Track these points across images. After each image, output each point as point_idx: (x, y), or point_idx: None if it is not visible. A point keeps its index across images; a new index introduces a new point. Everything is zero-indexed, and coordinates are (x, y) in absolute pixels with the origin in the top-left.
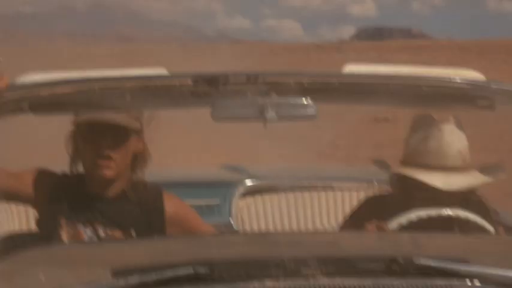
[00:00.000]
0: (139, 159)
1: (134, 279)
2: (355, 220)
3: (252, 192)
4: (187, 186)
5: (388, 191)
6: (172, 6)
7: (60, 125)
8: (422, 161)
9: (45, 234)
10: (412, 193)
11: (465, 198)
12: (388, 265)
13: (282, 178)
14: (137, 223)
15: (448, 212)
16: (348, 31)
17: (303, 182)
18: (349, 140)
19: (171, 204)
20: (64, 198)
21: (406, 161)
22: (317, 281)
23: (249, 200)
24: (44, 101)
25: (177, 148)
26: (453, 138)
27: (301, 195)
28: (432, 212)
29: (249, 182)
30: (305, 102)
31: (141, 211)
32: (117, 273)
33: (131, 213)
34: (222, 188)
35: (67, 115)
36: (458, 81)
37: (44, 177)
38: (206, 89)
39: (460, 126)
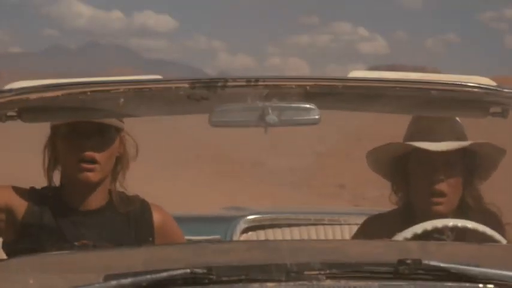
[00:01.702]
0: (121, 163)
1: (127, 281)
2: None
3: (253, 227)
4: (187, 222)
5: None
6: (171, 45)
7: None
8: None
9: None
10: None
11: (475, 208)
12: (395, 267)
13: (285, 213)
14: (126, 235)
15: (454, 222)
16: (358, 69)
17: (308, 217)
18: (355, 180)
19: (159, 215)
20: (45, 217)
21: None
22: (321, 283)
23: (251, 235)
24: (32, 107)
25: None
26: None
27: (306, 230)
28: (438, 223)
29: (250, 217)
30: (307, 106)
31: (129, 222)
32: (110, 277)
33: (119, 225)
34: (223, 223)
35: (56, 122)
36: (469, 86)
37: (20, 194)
38: (204, 93)
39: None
